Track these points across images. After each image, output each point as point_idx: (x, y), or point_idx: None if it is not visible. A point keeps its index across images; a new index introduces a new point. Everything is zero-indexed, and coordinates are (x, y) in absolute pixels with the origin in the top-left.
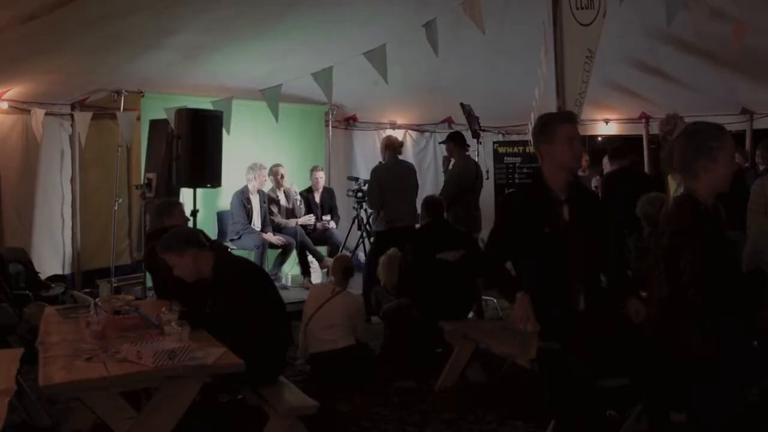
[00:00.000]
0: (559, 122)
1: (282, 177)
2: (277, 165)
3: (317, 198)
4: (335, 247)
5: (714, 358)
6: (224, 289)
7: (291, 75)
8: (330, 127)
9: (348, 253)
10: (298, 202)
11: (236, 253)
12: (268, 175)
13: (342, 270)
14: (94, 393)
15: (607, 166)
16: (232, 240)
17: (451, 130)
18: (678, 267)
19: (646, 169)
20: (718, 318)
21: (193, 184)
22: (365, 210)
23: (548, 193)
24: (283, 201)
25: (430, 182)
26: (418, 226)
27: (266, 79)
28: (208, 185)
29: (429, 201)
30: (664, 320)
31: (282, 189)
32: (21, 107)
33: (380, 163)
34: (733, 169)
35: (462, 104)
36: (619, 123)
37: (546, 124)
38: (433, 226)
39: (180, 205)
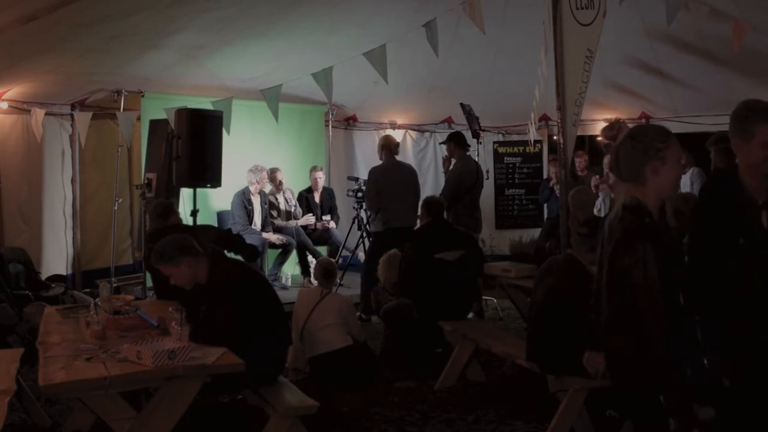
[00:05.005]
0: (760, 121)
1: (281, 182)
2: (275, 170)
3: (317, 198)
4: (335, 247)
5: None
6: (222, 291)
7: (291, 75)
8: (330, 127)
9: (348, 253)
10: (294, 208)
11: None
12: (268, 181)
13: (323, 273)
14: (94, 393)
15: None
16: None
17: (451, 130)
18: (626, 285)
19: None
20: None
21: (193, 184)
22: (365, 210)
23: (743, 196)
24: (282, 204)
25: (430, 182)
26: (417, 226)
27: (266, 79)
28: (208, 185)
29: (429, 201)
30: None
31: (282, 192)
32: (21, 107)
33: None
34: (681, 172)
35: (462, 104)
36: None
37: (746, 119)
38: (433, 226)
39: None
